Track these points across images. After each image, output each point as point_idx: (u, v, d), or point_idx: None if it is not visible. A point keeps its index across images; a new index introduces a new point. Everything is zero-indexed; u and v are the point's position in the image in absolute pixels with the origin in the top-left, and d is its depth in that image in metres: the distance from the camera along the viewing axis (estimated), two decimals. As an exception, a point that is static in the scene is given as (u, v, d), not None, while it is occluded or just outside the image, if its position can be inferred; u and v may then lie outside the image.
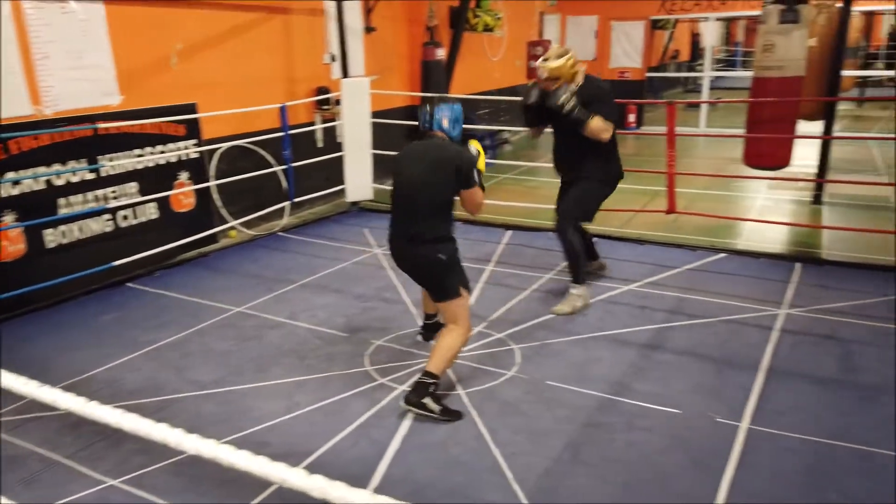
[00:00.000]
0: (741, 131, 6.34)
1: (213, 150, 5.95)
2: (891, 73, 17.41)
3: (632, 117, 12.10)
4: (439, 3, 8.60)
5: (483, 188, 3.37)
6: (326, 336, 4.07)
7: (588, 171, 4.29)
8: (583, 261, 4.42)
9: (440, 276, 3.26)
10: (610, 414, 3.18)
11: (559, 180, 4.60)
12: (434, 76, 8.24)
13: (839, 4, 6.64)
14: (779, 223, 6.09)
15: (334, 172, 6.87)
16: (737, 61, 20.96)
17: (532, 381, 3.49)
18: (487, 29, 9.68)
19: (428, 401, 3.11)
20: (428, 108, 3.34)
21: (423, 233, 3.21)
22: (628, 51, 12.38)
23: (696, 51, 18.71)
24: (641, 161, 9.23)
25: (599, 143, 4.12)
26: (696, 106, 13.17)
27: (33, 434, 3.05)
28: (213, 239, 5.85)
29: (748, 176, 6.98)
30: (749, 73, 6.59)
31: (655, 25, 12.72)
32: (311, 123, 7.07)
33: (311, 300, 4.63)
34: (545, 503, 2.57)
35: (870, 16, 15.46)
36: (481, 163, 3.37)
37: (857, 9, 10.69)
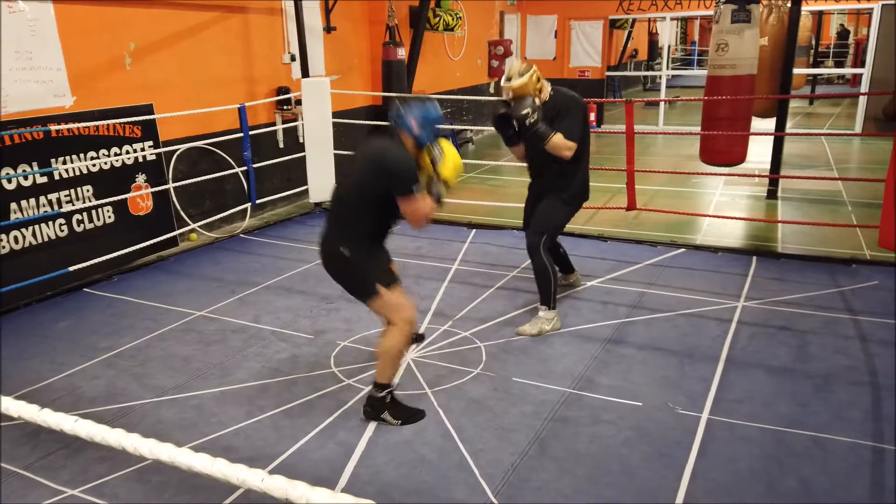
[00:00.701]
0: (698, 129, 6.50)
1: (172, 152, 5.84)
2: (840, 70, 17.99)
3: (592, 116, 12.27)
4: (399, 3, 8.58)
5: (439, 199, 3.01)
6: (291, 338, 4.03)
7: (555, 187, 4.08)
8: (555, 283, 4.06)
9: (347, 274, 3.05)
10: (575, 408, 3.22)
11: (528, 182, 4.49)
12: (395, 76, 8.22)
13: (790, 4, 6.83)
14: (735, 218, 6.24)
15: (296, 173, 6.82)
16: (693, 60, 21.40)
17: (498, 378, 3.51)
18: (448, 28, 9.70)
19: (386, 415, 3.08)
20: (398, 105, 3.04)
21: (332, 231, 3.05)
22: (588, 50, 12.53)
23: (654, 50, 19.04)
24: (602, 159, 9.37)
25: (575, 160, 3.96)
26: (654, 104, 13.42)
27: (-14, 446, 2.95)
28: (173, 242, 5.74)
29: (705, 172, 7.15)
30: (705, 72, 6.75)
31: (614, 25, 12.91)
32: (272, 124, 6.99)
33: (275, 302, 4.58)
34: (512, 499, 2.59)
35: (819, 15, 15.93)
36: (447, 167, 3.02)
37: (806, 8, 11.02)
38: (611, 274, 4.97)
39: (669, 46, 16.20)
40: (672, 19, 13.71)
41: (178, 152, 5.89)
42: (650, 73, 17.75)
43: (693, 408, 3.18)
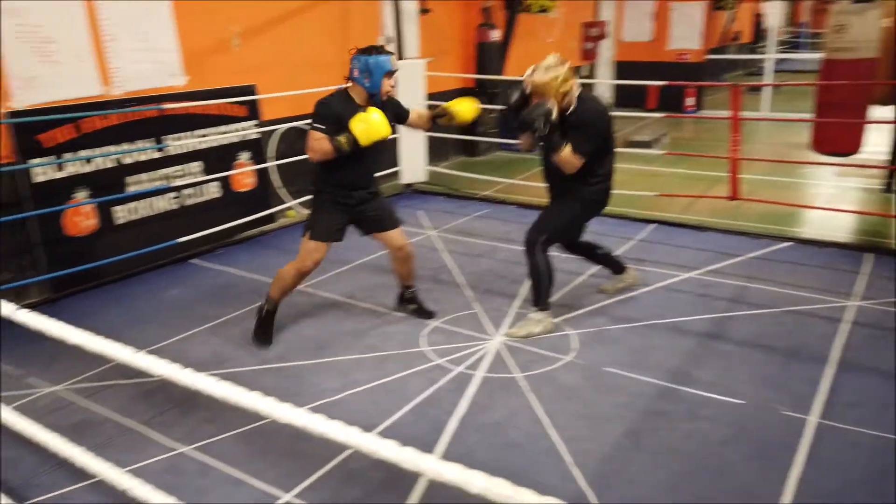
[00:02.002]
0: (807, 115, 6.12)
1: (273, 131, 6.05)
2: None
3: (691, 101, 11.79)
4: (495, -16, 8.51)
5: (337, 142, 3.37)
6: (383, 316, 4.12)
7: (566, 189, 3.82)
8: (546, 284, 3.85)
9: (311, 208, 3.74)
10: (670, 402, 3.13)
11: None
12: (489, 58, 8.18)
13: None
14: (848, 211, 5.86)
15: (388, 155, 6.91)
16: (801, 43, 20.13)
17: (590, 367, 3.46)
18: (543, 10, 9.53)
19: (256, 318, 3.76)
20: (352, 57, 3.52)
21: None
22: (687, 32, 12.01)
23: (759, 32, 18.03)
24: (700, 146, 9.02)
25: (589, 167, 3.64)
26: (757, 89, 12.73)
27: (109, 401, 3.19)
28: (271, 218, 5.97)
29: (815, 162, 6.73)
30: (815, 55, 6.33)
31: (716, 6, 12.31)
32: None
33: (368, 280, 4.69)
34: (604, 490, 2.56)
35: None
36: (359, 124, 3.34)
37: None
38: (709, 266, 4.78)
39: (776, 28, 15.29)
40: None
41: (278, 132, 6.10)
42: (754, 56, 16.83)
43: (799, 409, 3.03)
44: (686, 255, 5.01)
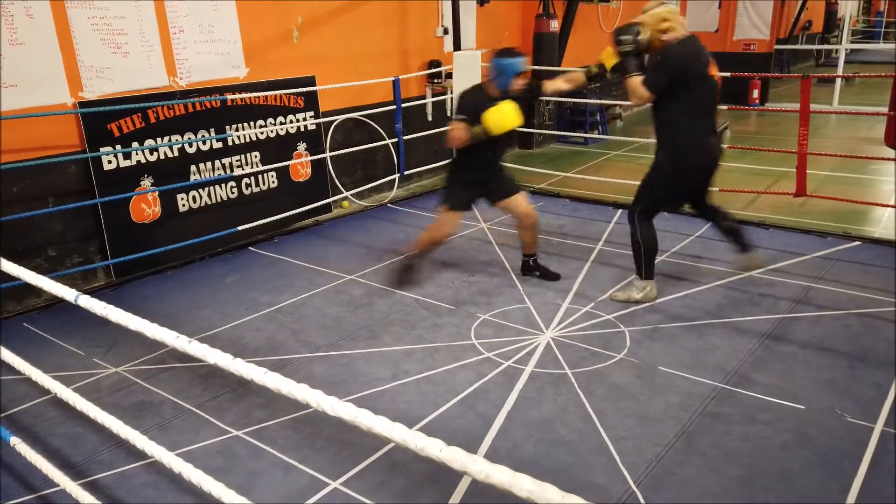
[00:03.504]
0: (882, 109, 5.80)
1: (330, 123, 6.13)
2: None
3: (755, 93, 11.36)
4: (554, -26, 8.36)
5: (473, 132, 3.81)
6: (433, 307, 4.13)
7: (656, 154, 3.87)
8: (645, 253, 4.01)
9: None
10: (727, 404, 3.04)
11: None
12: (546, 48, 8.06)
13: None
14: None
15: (442, 147, 6.91)
16: (877, 33, 19.13)
17: (643, 366, 3.39)
18: (603, 0, 9.33)
19: (398, 265, 4.36)
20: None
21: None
22: (756, 21, 11.55)
23: (832, 21, 17.21)
24: (764, 140, 8.68)
25: (669, 124, 3.71)
26: (826, 81, 12.18)
27: (167, 384, 3.31)
28: (327, 208, 6.06)
29: (888, 158, 6.39)
30: (892, 46, 5.98)
31: (787, -7, 11.81)
32: (423, 97, 7.13)
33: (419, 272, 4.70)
34: (655, 491, 2.50)
35: None
36: (492, 116, 3.74)
37: None
38: (772, 265, 4.60)
39: (850, 17, 14.57)
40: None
41: (335, 123, 6.17)
42: (825, 46, 16.10)
43: (865, 417, 2.89)
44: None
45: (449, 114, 7.18)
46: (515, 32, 8.37)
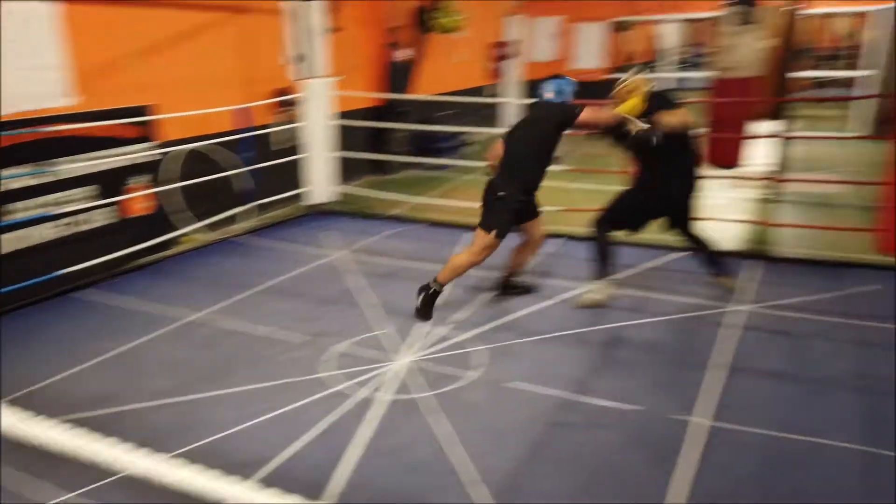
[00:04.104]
0: (702, 131, 6.43)
1: (172, 153, 5.82)
2: (846, 73, 17.86)
3: (595, 118, 12.20)
4: (403, 4, 8.57)
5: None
6: (283, 342, 4.00)
7: (635, 176, 4.47)
8: (604, 260, 4.44)
9: (486, 208, 4.22)
10: (571, 413, 3.18)
11: None
12: (399, 77, 8.21)
13: (794, 7, 6.77)
14: (736, 221, 6.18)
15: (295, 175, 6.79)
16: (698, 62, 21.30)
17: (495, 383, 3.48)
18: (451, 30, 9.67)
19: (422, 295, 4.20)
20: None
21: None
22: (591, 52, 12.49)
23: (658, 52, 18.96)
24: (607, 161, 9.32)
25: (645, 154, 4.24)
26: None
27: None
28: (170, 243, 5.72)
29: (708, 175, 7.09)
30: (706, 74, 6.71)
31: (618, 27, 12.88)
32: (272, 125, 6.97)
33: (270, 305, 4.56)
34: (509, 502, 2.56)
35: (826, 18, 15.86)
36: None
37: (812, 11, 10.96)
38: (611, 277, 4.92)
39: (672, 49, 16.14)
40: (675, 21, 13.65)
41: (178, 152, 5.88)
42: (654, 74, 17.68)
43: (690, 412, 3.14)
44: (588, 267, 5.13)
45: (300, 142, 7.08)
46: (368, 61, 8.44)
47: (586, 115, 4.12)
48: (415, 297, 4.24)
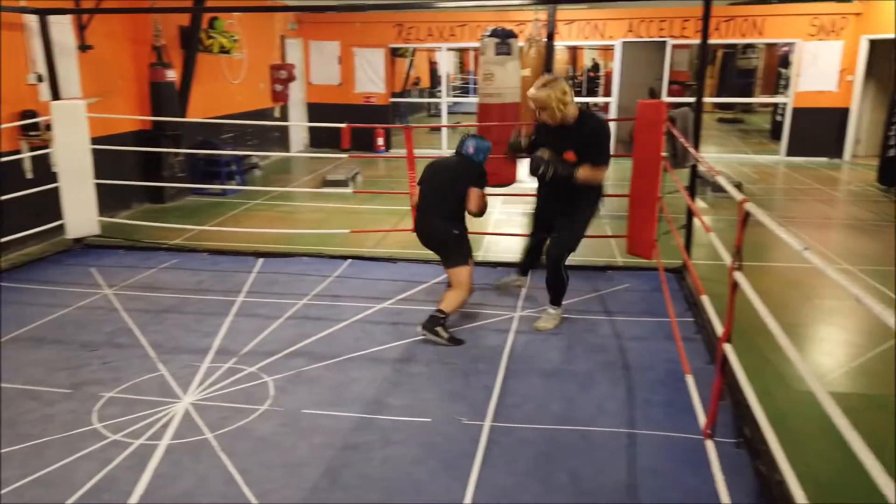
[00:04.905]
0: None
1: None
2: (593, 99, 20.33)
3: (381, 141, 12.53)
4: (167, 22, 8.07)
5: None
6: (43, 395, 3.52)
7: (573, 199, 4.30)
8: (566, 286, 4.47)
9: (447, 250, 4.38)
10: (366, 433, 3.20)
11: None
12: (167, 99, 7.70)
13: (545, 40, 7.55)
14: (508, 234, 6.71)
15: (48, 207, 6.04)
16: (470, 88, 22.87)
17: (287, 413, 3.38)
18: (224, 51, 9.33)
19: (439, 329, 4.16)
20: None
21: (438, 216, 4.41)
22: (372, 77, 12.80)
23: (436, 78, 20.04)
24: (392, 183, 9.60)
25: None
26: (438, 129, 14.08)
27: None
28: None
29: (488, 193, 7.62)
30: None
31: (395, 53, 13.35)
32: (17, 151, 6.14)
33: (23, 356, 3.99)
34: (302, 537, 2.49)
35: (574, 49, 17.91)
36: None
37: (560, 43, 12.33)
38: (401, 294, 5.06)
39: (448, 75, 17.13)
40: (448, 49, 14.53)
41: None
42: (432, 100, 18.63)
43: (477, 417, 3.32)
44: (379, 286, 5.24)
45: (54, 170, 6.32)
46: (129, 81, 7.81)
47: (478, 192, 4.32)
48: (426, 328, 4.19)
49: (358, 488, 2.78)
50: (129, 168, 7.64)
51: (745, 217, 2.54)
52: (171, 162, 8.24)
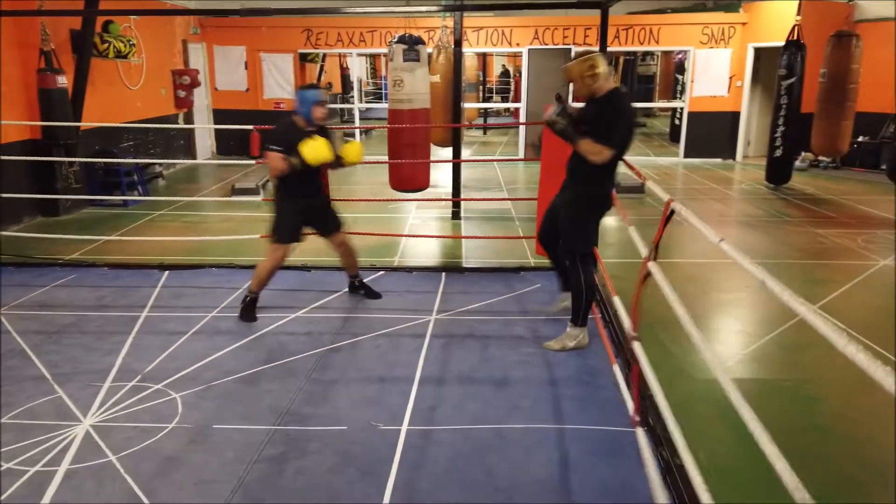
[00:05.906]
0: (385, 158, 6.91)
1: None
2: (504, 105, 20.78)
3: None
4: (56, 26, 7.63)
5: (290, 162, 4.26)
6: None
7: (575, 193, 4.03)
8: (587, 298, 4.06)
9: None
10: (280, 445, 3.13)
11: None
12: (58, 106, 7.27)
13: (453, 46, 7.66)
14: (423, 236, 6.77)
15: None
16: (383, 93, 22.83)
17: (196, 429, 3.26)
18: (120, 55, 8.90)
19: (242, 305, 4.61)
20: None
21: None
22: (280, 82, 12.57)
23: (348, 83, 19.87)
24: (303, 189, 9.43)
25: (592, 164, 3.80)
26: (349, 135, 13.98)
27: None
28: None
29: (399, 199, 7.63)
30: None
31: (305, 58, 13.15)
32: None
33: None
34: (215, 556, 2.41)
35: (483, 56, 18.22)
36: (307, 148, 4.20)
37: (469, 50, 12.53)
38: (314, 303, 4.99)
39: (360, 80, 17.03)
40: (359, 55, 14.46)
41: None
42: (345, 105, 18.48)
43: (394, 422, 3.32)
44: (292, 296, 5.14)
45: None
46: (16, 88, 7.31)
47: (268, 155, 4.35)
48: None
49: (271, 500, 2.73)
50: (18, 179, 7.17)
51: (670, 214, 2.65)
52: (65, 172, 7.78)
